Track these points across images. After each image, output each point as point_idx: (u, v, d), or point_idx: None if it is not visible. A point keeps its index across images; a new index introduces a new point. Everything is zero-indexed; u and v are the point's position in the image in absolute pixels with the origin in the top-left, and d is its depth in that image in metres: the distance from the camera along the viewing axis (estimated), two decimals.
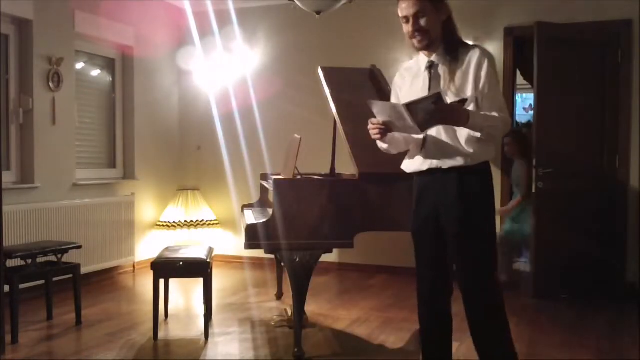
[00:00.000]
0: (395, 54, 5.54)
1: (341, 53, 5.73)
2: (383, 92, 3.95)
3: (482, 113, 2.35)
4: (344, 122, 3.49)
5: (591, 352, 3.52)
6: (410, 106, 2.25)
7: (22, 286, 3.73)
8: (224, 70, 6.22)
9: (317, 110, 5.19)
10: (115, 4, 5.55)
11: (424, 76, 2.50)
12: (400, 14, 2.46)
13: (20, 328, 3.64)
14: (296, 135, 3.58)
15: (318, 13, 4.00)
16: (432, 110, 2.23)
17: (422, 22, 2.40)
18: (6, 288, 3.47)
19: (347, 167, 3.69)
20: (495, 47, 5.21)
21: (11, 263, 3.82)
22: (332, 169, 4.08)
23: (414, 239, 2.62)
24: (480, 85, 2.37)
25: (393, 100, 2.64)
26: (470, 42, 2.50)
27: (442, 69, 2.44)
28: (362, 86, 4.06)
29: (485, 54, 2.40)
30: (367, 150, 3.24)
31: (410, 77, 2.58)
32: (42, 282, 4.03)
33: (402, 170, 2.65)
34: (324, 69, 3.96)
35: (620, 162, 4.93)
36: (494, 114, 2.35)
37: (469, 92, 2.38)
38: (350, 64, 4.56)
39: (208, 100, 6.28)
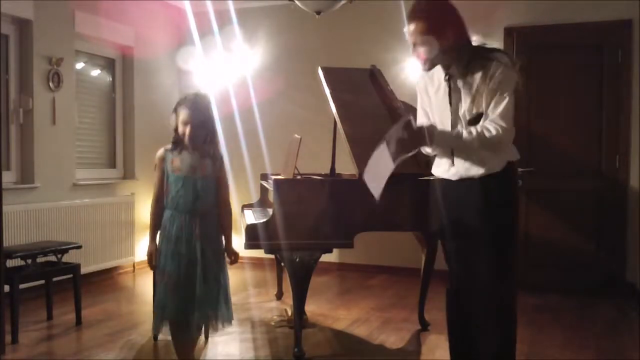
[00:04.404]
0: (395, 54, 5.54)
1: (341, 53, 5.73)
2: (383, 92, 3.95)
3: (455, 131, 2.35)
4: (344, 122, 3.48)
5: (591, 352, 3.52)
6: (385, 137, 2.30)
7: (22, 286, 3.73)
8: (224, 70, 6.22)
9: (317, 110, 5.19)
10: (115, 4, 5.55)
11: (444, 87, 2.46)
12: None
13: (20, 328, 3.63)
14: (296, 135, 3.58)
15: (318, 13, 4.00)
16: (400, 138, 2.27)
17: (421, 50, 2.40)
18: (6, 288, 3.46)
19: (347, 167, 3.69)
20: None
21: (11, 263, 3.82)
22: (332, 169, 4.08)
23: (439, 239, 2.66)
24: (489, 97, 2.33)
25: (421, 102, 2.63)
26: (491, 46, 2.41)
27: (460, 82, 2.40)
28: (362, 86, 4.05)
29: (497, 64, 2.32)
30: (367, 150, 3.23)
31: (437, 84, 2.51)
32: (42, 282, 4.03)
33: (402, 171, 2.64)
34: (324, 69, 3.96)
35: (620, 162, 4.93)
36: (477, 128, 2.30)
37: (483, 105, 2.35)
38: (350, 64, 4.56)
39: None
